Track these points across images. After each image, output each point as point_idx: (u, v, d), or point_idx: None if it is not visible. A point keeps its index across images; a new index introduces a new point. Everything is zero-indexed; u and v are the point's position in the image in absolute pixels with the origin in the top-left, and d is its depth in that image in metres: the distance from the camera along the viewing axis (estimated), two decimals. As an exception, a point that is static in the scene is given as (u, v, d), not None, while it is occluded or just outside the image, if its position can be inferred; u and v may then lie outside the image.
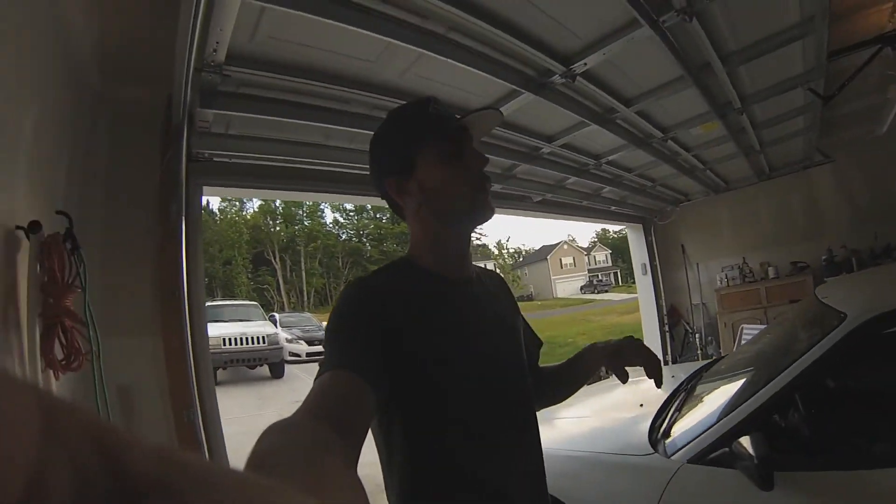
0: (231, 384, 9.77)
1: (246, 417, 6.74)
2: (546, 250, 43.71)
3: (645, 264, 6.41)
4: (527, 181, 4.16)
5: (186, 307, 2.20)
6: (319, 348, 13.87)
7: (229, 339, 9.88)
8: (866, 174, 5.27)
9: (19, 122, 1.41)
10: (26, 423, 0.14)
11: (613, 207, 5.51)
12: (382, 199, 0.91)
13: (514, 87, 2.36)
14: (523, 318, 1.02)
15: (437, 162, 0.83)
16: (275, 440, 0.44)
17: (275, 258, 37.89)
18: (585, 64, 2.26)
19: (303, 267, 39.16)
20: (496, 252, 48.77)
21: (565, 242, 45.07)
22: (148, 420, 2.04)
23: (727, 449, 1.52)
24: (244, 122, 2.35)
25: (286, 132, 2.52)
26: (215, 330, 10.16)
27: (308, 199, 3.12)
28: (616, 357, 0.95)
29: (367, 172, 0.92)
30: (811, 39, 2.42)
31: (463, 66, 2.06)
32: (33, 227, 1.41)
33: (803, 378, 1.52)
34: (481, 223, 0.88)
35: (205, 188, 2.50)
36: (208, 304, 12.02)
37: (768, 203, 5.92)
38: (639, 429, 1.97)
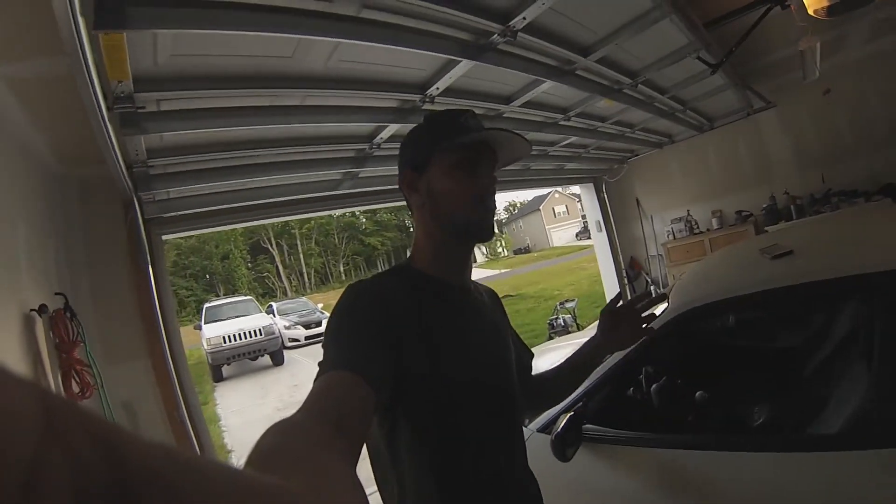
0: (237, 377, 10.62)
1: (249, 408, 7.57)
2: (538, 201, 43.80)
3: (599, 221, 6.77)
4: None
5: (164, 332, 2.90)
6: (318, 330, 14.63)
7: (228, 337, 10.62)
8: (811, 117, 5.33)
9: (15, 234, 2.04)
10: (26, 420, 0.14)
11: (567, 166, 5.56)
12: (400, 190, 0.94)
13: (450, 56, 2.19)
14: (513, 331, 1.08)
15: (449, 168, 0.86)
16: (275, 439, 0.44)
17: (271, 245, 38.42)
18: (525, 18, 2.07)
19: (300, 249, 39.80)
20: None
21: (556, 191, 45.27)
22: (146, 422, 2.77)
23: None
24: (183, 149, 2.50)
25: (221, 161, 2.69)
26: (215, 330, 10.87)
27: (262, 223, 3.48)
28: (609, 340, 1.10)
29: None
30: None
31: (385, 46, 1.90)
32: (42, 309, 2.08)
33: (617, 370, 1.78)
34: (477, 241, 0.91)
35: (163, 237, 3.15)
36: (206, 305, 12.71)
37: (717, 152, 6.10)
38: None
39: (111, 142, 1.91)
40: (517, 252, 43.63)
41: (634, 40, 2.65)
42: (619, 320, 1.11)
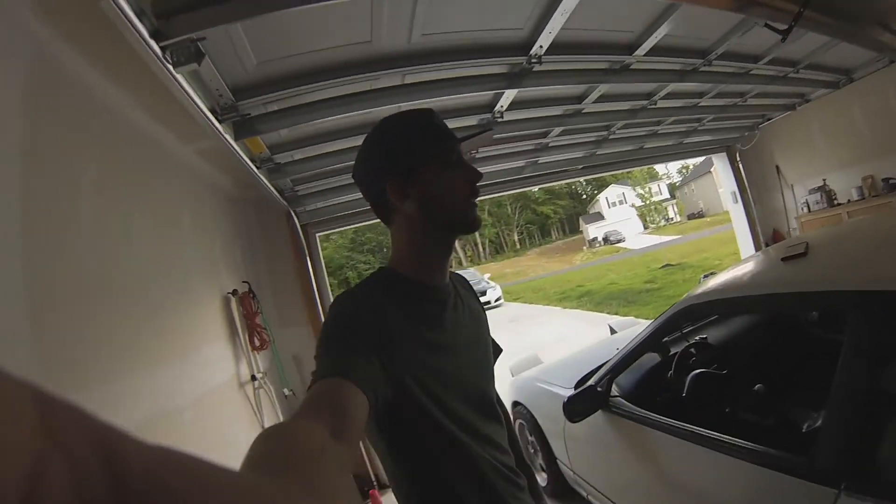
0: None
1: None
2: (709, 163, 38.18)
3: (735, 192, 6.10)
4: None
5: (319, 306, 3.90)
6: (483, 300, 15.73)
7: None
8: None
9: (214, 243, 3.11)
10: (25, 422, 0.14)
11: (688, 140, 5.18)
12: (371, 200, 0.93)
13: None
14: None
15: (441, 170, 0.87)
16: (269, 444, 0.45)
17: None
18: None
19: (473, 221, 41.92)
20: (663, 172, 44.94)
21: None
22: (307, 369, 3.80)
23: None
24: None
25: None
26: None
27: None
28: None
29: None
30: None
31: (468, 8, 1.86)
32: (234, 292, 3.13)
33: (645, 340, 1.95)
34: (467, 232, 0.92)
35: (317, 234, 4.16)
36: None
37: (862, 108, 4.86)
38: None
39: (263, 180, 2.84)
40: (690, 217, 39.17)
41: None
42: None
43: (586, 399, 1.95)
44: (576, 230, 43.74)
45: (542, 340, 8.59)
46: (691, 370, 1.90)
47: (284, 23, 1.59)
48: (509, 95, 2.58)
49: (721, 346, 2.14)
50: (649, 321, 2.25)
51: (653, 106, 3.44)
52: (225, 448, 2.51)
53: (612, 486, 2.10)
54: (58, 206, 1.37)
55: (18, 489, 0.13)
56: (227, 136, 1.99)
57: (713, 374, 1.88)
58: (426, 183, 0.87)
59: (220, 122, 1.88)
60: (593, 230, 40.34)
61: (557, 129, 3.45)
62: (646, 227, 40.36)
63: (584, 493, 2.37)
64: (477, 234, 42.10)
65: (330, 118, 2.26)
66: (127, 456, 0.16)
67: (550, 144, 3.83)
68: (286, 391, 3.53)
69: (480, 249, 42.79)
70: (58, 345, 1.29)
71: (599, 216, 41.66)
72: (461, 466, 0.83)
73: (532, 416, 2.86)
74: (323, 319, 3.60)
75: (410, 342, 0.80)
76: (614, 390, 2.02)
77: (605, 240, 38.74)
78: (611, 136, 4.07)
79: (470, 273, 18.74)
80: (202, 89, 1.73)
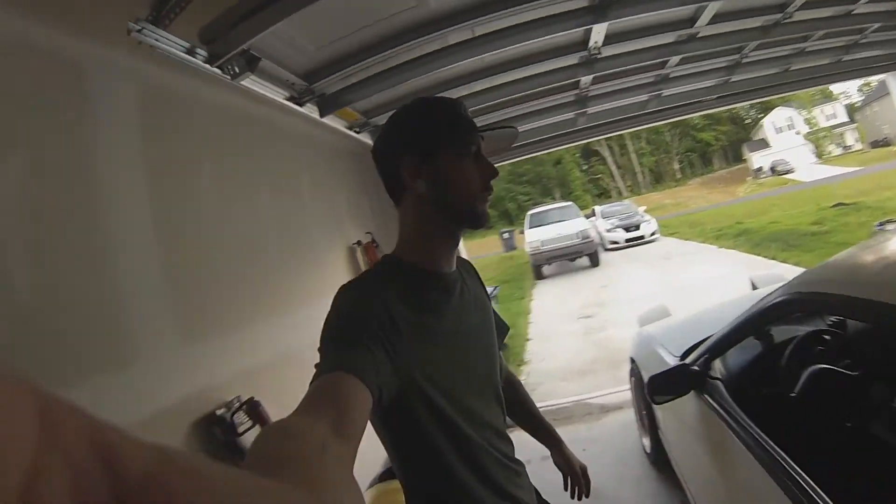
0: (556, 276, 12.19)
1: (557, 304, 8.86)
2: (889, 83, 27.62)
3: None
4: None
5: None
6: (637, 234, 14.76)
7: (547, 241, 12.15)
8: None
9: (339, 199, 3.50)
10: (24, 422, 0.14)
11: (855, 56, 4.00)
12: (384, 175, 0.94)
13: None
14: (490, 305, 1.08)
15: (457, 158, 0.87)
16: (271, 442, 0.45)
17: (603, 147, 38.79)
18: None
19: (630, 150, 38.76)
20: (840, 90, 34.98)
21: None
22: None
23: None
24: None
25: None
26: (535, 235, 12.51)
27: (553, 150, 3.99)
28: (559, 459, 1.23)
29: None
30: None
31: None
32: (358, 243, 3.54)
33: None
34: (473, 228, 0.91)
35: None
36: (530, 212, 14.55)
37: None
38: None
39: (367, 141, 3.09)
40: (874, 145, 30.24)
41: None
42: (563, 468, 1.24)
43: (674, 379, 1.72)
44: (739, 159, 37.63)
45: (690, 282, 7.89)
46: (811, 363, 1.47)
47: (328, 9, 1.65)
48: (599, 30, 2.32)
49: (857, 338, 1.60)
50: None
51: (788, 20, 2.75)
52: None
53: (697, 479, 1.92)
54: (185, 181, 1.77)
55: (17, 489, 0.13)
56: (314, 115, 2.22)
57: (840, 374, 1.42)
58: (440, 167, 0.87)
59: (301, 105, 2.10)
60: (758, 159, 34.01)
61: (675, 59, 3.04)
62: (819, 156, 32.85)
63: (678, 472, 2.22)
64: (636, 161, 38.80)
65: (411, 80, 2.31)
66: (126, 456, 0.16)
67: (671, 75, 3.45)
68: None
69: (640, 178, 39.39)
70: (186, 298, 1.68)
71: (765, 143, 34.95)
72: (463, 456, 0.84)
73: (641, 378, 2.68)
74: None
75: (415, 333, 0.79)
76: (716, 369, 1.73)
77: (772, 169, 32.45)
78: (744, 60, 3.47)
79: (625, 205, 17.58)
80: (275, 82, 1.95)
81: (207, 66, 1.55)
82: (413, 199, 0.90)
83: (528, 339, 6.86)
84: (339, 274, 3.29)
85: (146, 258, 1.55)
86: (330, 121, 2.44)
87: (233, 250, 1.97)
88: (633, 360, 2.92)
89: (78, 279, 1.33)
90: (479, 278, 1.09)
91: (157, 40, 1.44)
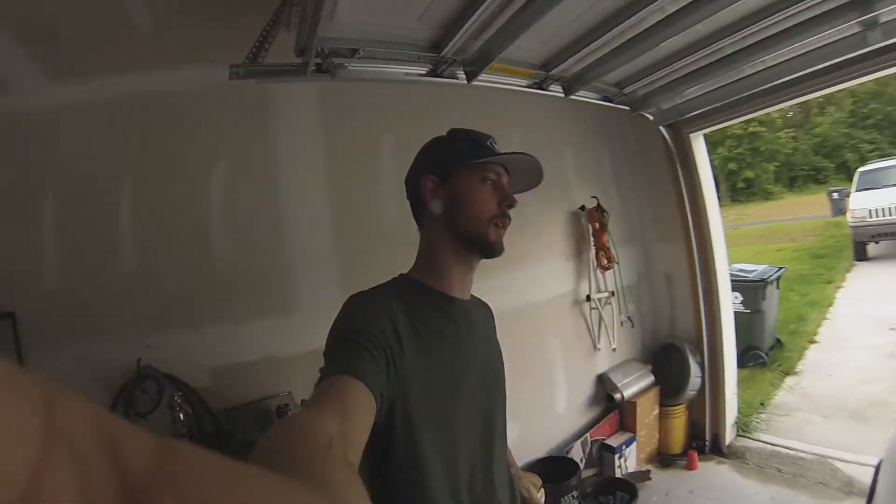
0: (884, 259, 8.83)
1: (871, 300, 6.41)
2: None
3: None
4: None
5: (690, 224, 3.40)
6: None
7: (877, 211, 8.82)
8: None
9: (564, 160, 3.17)
10: (29, 415, 0.14)
11: None
12: (409, 195, 0.97)
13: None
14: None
15: (474, 180, 0.90)
16: (280, 438, 0.46)
17: None
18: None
19: None
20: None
21: None
22: (679, 292, 3.51)
23: None
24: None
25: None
26: (863, 200, 9.25)
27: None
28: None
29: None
30: None
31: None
32: (583, 207, 3.17)
33: None
34: (487, 255, 0.92)
35: (690, 134, 3.44)
36: (861, 169, 10.57)
37: None
38: None
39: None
40: None
41: None
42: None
43: None
44: None
45: None
46: None
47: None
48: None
49: None
50: None
51: None
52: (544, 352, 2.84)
53: None
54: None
55: (22, 482, 0.13)
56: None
57: None
58: (456, 189, 0.90)
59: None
60: None
61: None
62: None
63: None
64: None
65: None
66: (132, 449, 0.16)
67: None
68: (622, 318, 3.42)
69: None
70: (349, 267, 2.17)
71: None
72: (428, 486, 0.81)
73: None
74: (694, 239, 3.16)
75: (417, 351, 0.80)
76: None
77: None
78: None
79: None
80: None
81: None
82: (430, 220, 0.93)
83: (813, 342, 5.18)
84: (558, 242, 3.09)
85: (322, 235, 2.16)
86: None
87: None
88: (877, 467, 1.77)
89: (262, 248, 1.99)
90: (493, 323, 1.08)
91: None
